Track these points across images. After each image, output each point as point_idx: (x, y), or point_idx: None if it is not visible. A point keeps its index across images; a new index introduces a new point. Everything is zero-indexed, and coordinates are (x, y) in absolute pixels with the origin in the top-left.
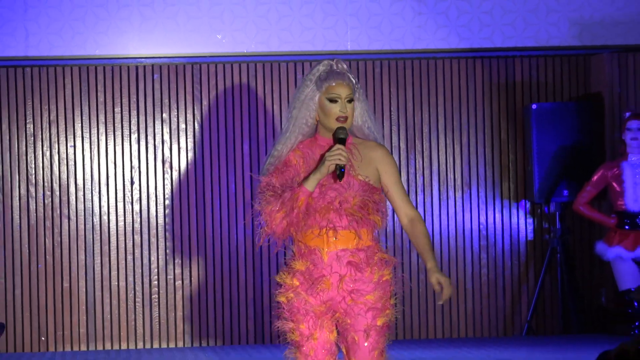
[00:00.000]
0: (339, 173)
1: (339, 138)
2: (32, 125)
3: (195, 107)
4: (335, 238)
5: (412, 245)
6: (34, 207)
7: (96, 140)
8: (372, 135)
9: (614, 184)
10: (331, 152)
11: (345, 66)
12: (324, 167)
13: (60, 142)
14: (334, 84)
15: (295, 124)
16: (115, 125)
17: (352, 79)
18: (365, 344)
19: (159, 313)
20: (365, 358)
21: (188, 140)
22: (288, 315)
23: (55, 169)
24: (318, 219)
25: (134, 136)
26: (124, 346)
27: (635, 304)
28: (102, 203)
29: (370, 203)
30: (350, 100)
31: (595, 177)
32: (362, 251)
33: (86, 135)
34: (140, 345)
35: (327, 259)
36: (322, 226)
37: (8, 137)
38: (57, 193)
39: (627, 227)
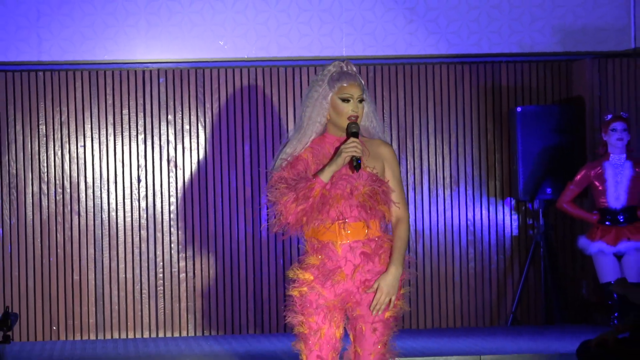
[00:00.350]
0: (356, 164)
1: (353, 132)
2: (44, 126)
3: (198, 110)
4: (348, 230)
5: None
6: (46, 203)
7: (105, 140)
8: (377, 135)
9: (596, 183)
10: (347, 144)
11: (354, 68)
12: (340, 159)
13: (71, 142)
14: (346, 85)
15: (309, 122)
16: (123, 126)
17: (362, 81)
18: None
19: (164, 304)
20: (370, 350)
21: (192, 140)
22: (299, 309)
23: (67, 167)
24: (330, 212)
25: (141, 137)
26: (130, 335)
27: (615, 295)
28: (111, 200)
29: (379, 192)
30: (361, 101)
31: (578, 177)
32: (372, 241)
33: (95, 135)
34: (146, 335)
35: (340, 251)
36: (333, 219)
37: (22, 138)
38: (68, 190)
39: (608, 223)
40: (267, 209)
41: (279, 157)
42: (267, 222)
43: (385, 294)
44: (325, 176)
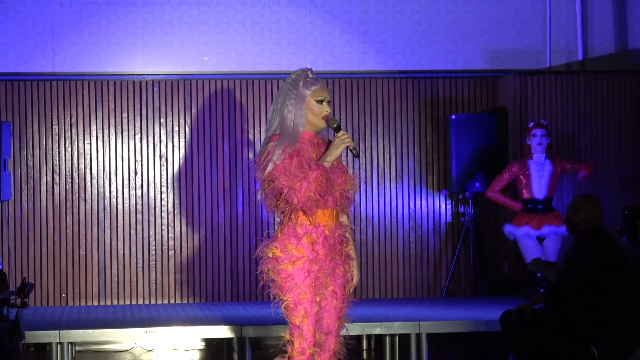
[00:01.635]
0: (356, 153)
1: (337, 126)
2: (56, 127)
3: (186, 114)
4: (334, 216)
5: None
6: (58, 191)
7: (107, 139)
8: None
9: (522, 177)
10: (341, 137)
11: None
12: (337, 150)
13: (79, 140)
14: (320, 88)
15: (295, 122)
16: (123, 127)
17: None
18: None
19: (156, 276)
20: (337, 316)
21: (180, 140)
22: (288, 286)
23: (75, 161)
24: (327, 199)
25: (137, 136)
26: (127, 302)
27: (539, 275)
28: (112, 189)
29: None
30: (328, 102)
31: (506, 171)
32: (343, 227)
33: (100, 135)
34: (140, 301)
35: (328, 232)
36: (331, 204)
37: (38, 136)
38: (76, 181)
39: (532, 212)
40: (261, 195)
41: (275, 153)
42: (273, 203)
43: (357, 279)
44: (327, 164)
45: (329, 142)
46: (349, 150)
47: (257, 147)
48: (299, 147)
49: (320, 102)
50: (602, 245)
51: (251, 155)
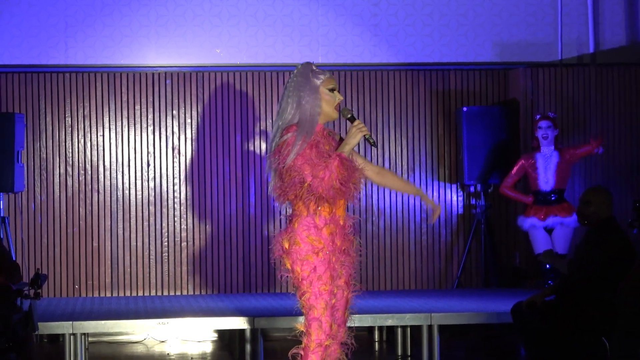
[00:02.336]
0: (373, 142)
1: (351, 115)
2: (70, 119)
3: (198, 106)
4: (345, 207)
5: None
6: (71, 183)
7: (120, 131)
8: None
9: (530, 170)
10: (357, 125)
11: None
12: (355, 138)
13: (92, 132)
14: (328, 77)
15: (312, 113)
16: (136, 119)
17: None
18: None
19: (168, 267)
20: (345, 307)
21: (193, 132)
22: (310, 278)
23: (88, 153)
24: (348, 187)
25: (150, 128)
26: (140, 293)
27: (548, 266)
28: (125, 181)
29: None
30: (338, 91)
31: (515, 167)
32: (352, 217)
33: (112, 127)
34: (153, 293)
35: (342, 222)
36: (345, 197)
37: (51, 128)
38: (89, 172)
39: (541, 204)
40: (272, 187)
41: (295, 145)
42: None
43: (437, 205)
44: (346, 153)
45: (341, 138)
46: (365, 139)
47: (269, 139)
48: (316, 139)
49: (332, 90)
50: (613, 238)
51: (263, 147)
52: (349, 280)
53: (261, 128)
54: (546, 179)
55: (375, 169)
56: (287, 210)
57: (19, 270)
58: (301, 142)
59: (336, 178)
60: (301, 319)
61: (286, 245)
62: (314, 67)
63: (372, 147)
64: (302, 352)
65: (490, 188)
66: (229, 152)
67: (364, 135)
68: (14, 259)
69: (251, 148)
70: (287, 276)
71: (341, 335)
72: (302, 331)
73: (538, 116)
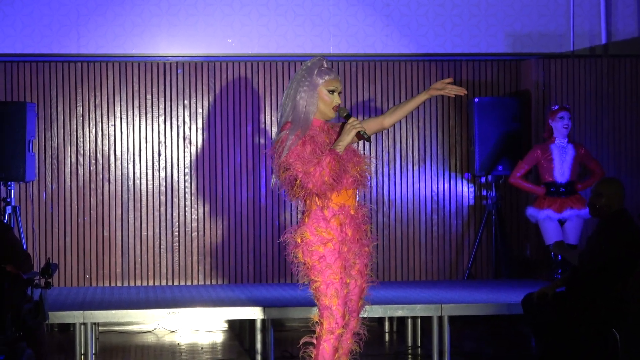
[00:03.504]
0: (367, 137)
1: (347, 114)
2: (81, 108)
3: (210, 96)
4: (354, 196)
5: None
6: (82, 172)
7: (132, 120)
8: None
9: (543, 162)
10: (351, 122)
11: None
12: (349, 135)
13: (103, 121)
14: (332, 79)
15: (307, 110)
16: (147, 109)
17: None
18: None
19: (179, 257)
20: (360, 295)
21: (204, 121)
22: (319, 267)
23: (99, 142)
24: (346, 180)
25: (162, 118)
26: (150, 283)
27: (560, 257)
28: (136, 170)
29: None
30: (339, 93)
31: (528, 157)
32: (365, 206)
33: (124, 116)
34: (163, 282)
35: (353, 212)
36: (349, 187)
37: (62, 117)
38: (100, 162)
39: (554, 196)
40: (277, 181)
41: (288, 141)
42: (286, 191)
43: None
44: (339, 149)
45: (341, 127)
46: (360, 135)
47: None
48: (311, 133)
49: (332, 92)
50: (623, 230)
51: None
52: (364, 269)
53: (272, 118)
54: (562, 171)
55: (384, 116)
56: (299, 205)
57: (29, 260)
58: (294, 138)
59: (327, 174)
60: (315, 309)
61: (298, 240)
62: (324, 65)
63: (384, 138)
64: (314, 341)
65: (502, 179)
66: (240, 142)
67: (359, 131)
68: (24, 248)
69: (262, 138)
70: (300, 270)
71: (354, 324)
72: (316, 321)
73: (556, 107)
